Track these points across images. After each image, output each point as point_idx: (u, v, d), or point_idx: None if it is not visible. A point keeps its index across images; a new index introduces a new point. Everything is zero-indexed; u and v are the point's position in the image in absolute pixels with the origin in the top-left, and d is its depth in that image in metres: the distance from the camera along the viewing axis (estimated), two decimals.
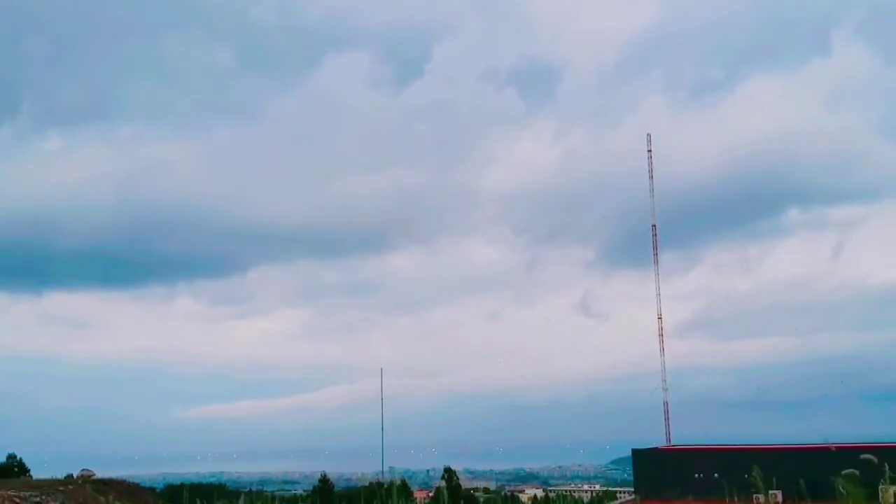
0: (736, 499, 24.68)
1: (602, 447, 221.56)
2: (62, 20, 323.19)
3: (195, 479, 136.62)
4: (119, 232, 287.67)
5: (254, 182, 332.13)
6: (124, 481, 37.72)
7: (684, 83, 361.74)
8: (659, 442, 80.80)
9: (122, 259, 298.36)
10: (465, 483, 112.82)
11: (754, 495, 42.79)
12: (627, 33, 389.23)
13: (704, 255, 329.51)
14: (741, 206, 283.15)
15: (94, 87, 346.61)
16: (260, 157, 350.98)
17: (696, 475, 59.56)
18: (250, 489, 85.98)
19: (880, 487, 13.75)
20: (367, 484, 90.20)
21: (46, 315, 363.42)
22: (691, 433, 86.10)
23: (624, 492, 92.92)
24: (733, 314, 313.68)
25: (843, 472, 8.28)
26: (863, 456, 10.22)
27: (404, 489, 73.94)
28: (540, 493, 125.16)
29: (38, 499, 30.57)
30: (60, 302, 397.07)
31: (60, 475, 43.55)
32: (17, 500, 30.12)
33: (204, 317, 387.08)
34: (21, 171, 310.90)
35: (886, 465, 10.88)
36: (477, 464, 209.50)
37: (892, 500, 13.99)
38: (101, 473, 41.45)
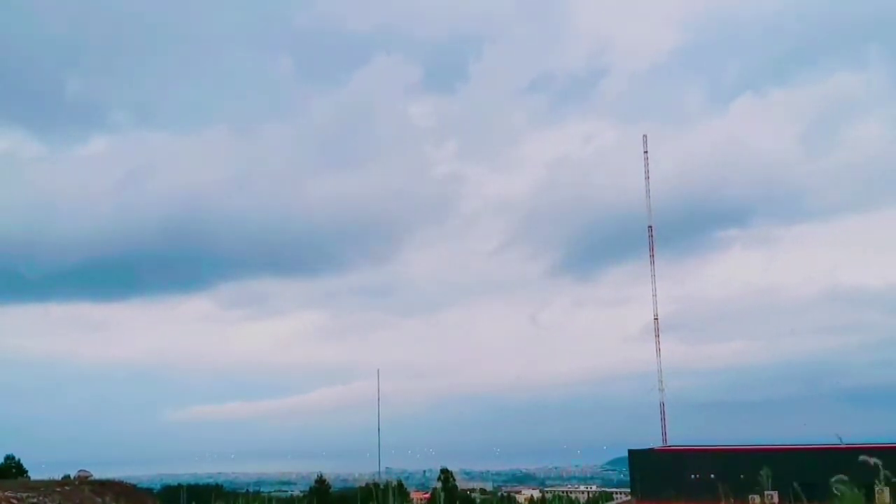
0: (732, 499, 24.78)
1: (599, 448, 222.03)
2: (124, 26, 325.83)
3: (192, 480, 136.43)
4: (123, 239, 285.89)
5: (274, 184, 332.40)
6: (122, 482, 37.65)
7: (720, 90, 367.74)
8: (655, 443, 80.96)
9: (128, 265, 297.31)
10: (462, 484, 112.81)
11: (749, 496, 42.96)
12: (657, 48, 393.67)
13: (671, 260, 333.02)
14: (701, 217, 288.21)
15: (139, 94, 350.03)
16: (284, 160, 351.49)
17: (692, 476, 59.64)
18: (247, 490, 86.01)
19: (876, 489, 13.88)
20: (363, 485, 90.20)
21: (54, 319, 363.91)
22: (670, 433, 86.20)
23: (620, 492, 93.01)
24: (700, 319, 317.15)
25: (838, 476, 8.41)
26: (861, 458, 10.34)
27: (401, 490, 73.87)
28: (536, 493, 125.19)
29: (35, 500, 30.49)
30: (68, 305, 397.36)
31: (58, 476, 43.60)
32: (14, 501, 30.07)
33: (207, 321, 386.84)
34: (57, 175, 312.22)
35: (882, 466, 10.99)
36: (474, 465, 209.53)
37: (888, 501, 14.12)
38: (98, 474, 41.46)
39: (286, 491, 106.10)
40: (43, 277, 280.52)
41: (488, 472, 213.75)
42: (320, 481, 77.58)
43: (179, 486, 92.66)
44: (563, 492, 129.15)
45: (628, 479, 75.48)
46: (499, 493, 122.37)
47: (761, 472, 13.79)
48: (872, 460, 9.41)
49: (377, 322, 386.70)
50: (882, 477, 10.89)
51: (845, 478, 8.45)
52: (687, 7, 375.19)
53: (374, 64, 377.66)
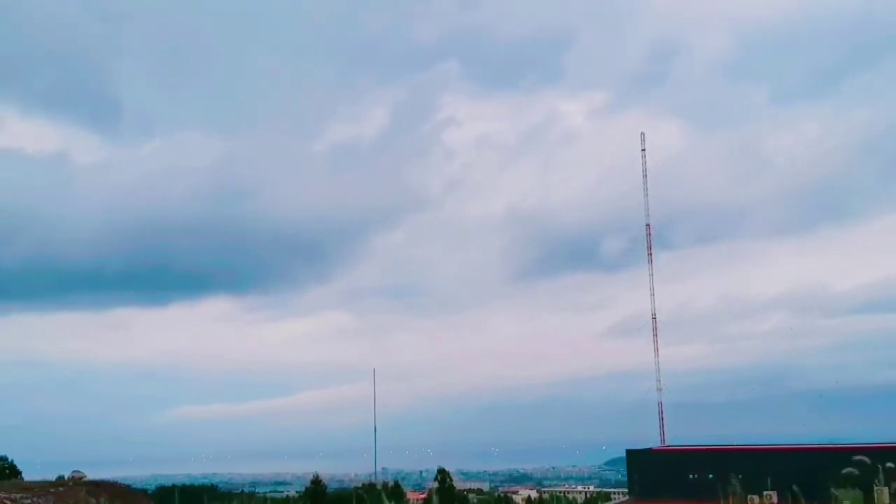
0: (731, 499, 24.66)
1: (597, 448, 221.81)
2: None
3: (187, 481, 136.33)
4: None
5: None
6: (116, 483, 37.50)
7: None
8: (653, 443, 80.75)
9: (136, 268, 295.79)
10: (459, 484, 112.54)
11: (749, 496, 42.80)
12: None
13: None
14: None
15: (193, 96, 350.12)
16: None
17: (691, 476, 59.45)
18: (242, 490, 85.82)
19: (875, 488, 13.69)
20: (359, 485, 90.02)
21: (52, 321, 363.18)
22: (650, 434, 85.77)
23: (618, 493, 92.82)
24: (668, 321, 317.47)
25: (842, 472, 8.23)
26: (856, 457, 10.15)
27: (397, 490, 73.69)
28: (534, 494, 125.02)
29: (29, 500, 30.32)
30: (71, 307, 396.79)
31: (51, 477, 43.33)
32: (9, 502, 29.87)
33: (206, 322, 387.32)
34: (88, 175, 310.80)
35: (881, 466, 10.82)
36: (471, 465, 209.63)
37: (887, 500, 13.96)
38: (92, 475, 41.25)
39: (281, 491, 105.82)
40: (45, 280, 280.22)
41: (485, 472, 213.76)
42: (316, 482, 77.18)
43: (174, 487, 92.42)
44: (560, 492, 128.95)
45: (626, 479, 75.23)
46: (496, 494, 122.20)
47: (760, 472, 13.67)
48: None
49: (376, 323, 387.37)
50: (882, 477, 10.72)
51: (856, 471, 8.28)
52: (745, 12, 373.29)
53: (433, 70, 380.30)
